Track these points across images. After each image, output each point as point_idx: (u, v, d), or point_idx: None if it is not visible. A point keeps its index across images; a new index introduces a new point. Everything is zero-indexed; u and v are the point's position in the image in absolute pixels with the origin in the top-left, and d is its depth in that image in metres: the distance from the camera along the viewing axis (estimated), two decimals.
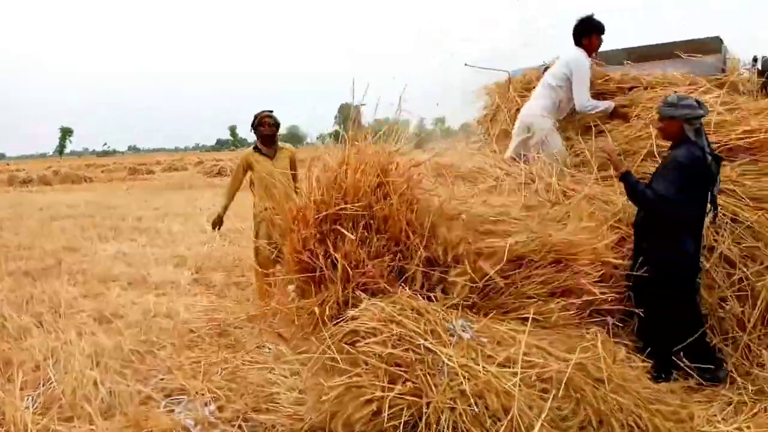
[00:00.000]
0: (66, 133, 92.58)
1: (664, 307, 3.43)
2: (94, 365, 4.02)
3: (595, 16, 4.82)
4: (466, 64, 5.39)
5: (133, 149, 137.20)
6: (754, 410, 3.17)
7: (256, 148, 5.19)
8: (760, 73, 5.09)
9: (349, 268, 2.90)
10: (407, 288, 2.93)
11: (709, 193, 3.52)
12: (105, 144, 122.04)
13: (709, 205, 3.53)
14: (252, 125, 5.19)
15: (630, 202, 3.63)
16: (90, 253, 8.61)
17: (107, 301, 5.94)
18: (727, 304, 3.67)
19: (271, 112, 5.22)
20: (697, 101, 3.52)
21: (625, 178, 3.51)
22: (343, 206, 2.96)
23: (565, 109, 4.98)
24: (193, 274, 6.87)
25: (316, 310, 2.83)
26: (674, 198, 3.34)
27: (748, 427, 2.98)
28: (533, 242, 3.10)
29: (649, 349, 3.44)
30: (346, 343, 2.77)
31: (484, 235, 3.12)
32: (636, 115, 4.69)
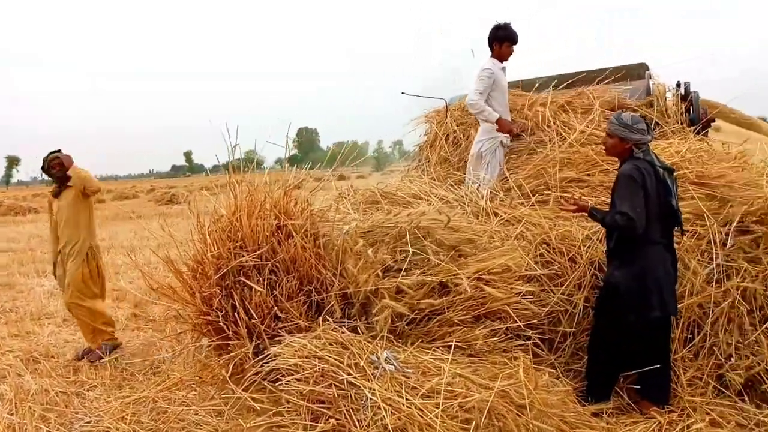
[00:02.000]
0: (12, 162, 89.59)
1: (603, 324, 3.45)
2: (15, 410, 3.83)
3: (511, 25, 4.94)
4: (403, 93, 5.46)
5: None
6: (676, 429, 3.23)
7: (53, 191, 5.26)
8: (683, 98, 5.32)
9: (260, 322, 2.84)
10: (330, 321, 2.89)
11: (669, 205, 3.43)
12: None
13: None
14: (42, 168, 5.21)
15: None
16: (25, 289, 8.26)
17: (38, 340, 5.69)
18: None
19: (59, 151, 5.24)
20: (647, 125, 3.49)
21: (592, 212, 3.47)
22: (243, 258, 2.91)
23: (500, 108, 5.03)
24: (133, 309, 6.66)
25: (224, 372, 2.76)
26: (638, 212, 3.26)
27: None
28: (451, 271, 3.11)
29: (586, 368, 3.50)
30: (268, 382, 2.72)
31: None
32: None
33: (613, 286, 3.39)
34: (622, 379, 3.54)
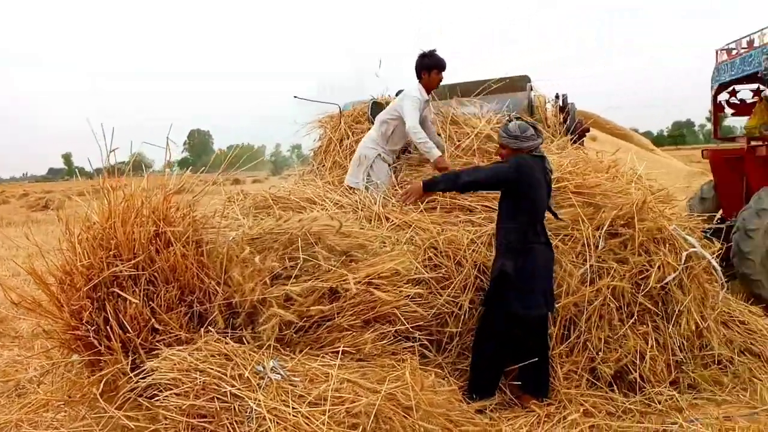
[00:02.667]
0: None
1: (493, 317, 3.59)
2: None
3: (437, 52, 4.86)
4: (295, 97, 5.41)
5: None
6: (554, 421, 3.42)
7: None
8: (561, 109, 5.68)
9: (135, 335, 2.69)
10: (212, 332, 2.79)
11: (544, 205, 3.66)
12: None
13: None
14: None
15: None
16: None
17: None
18: None
19: None
20: (535, 128, 3.66)
21: (430, 187, 3.68)
22: (116, 267, 2.75)
23: (398, 143, 5.06)
24: None
25: (95, 390, 2.59)
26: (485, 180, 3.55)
27: None
28: (341, 276, 3.11)
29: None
30: (144, 398, 2.57)
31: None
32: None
33: (504, 275, 3.54)
34: (503, 377, 3.71)
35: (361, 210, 4.29)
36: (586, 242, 4.01)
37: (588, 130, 5.76)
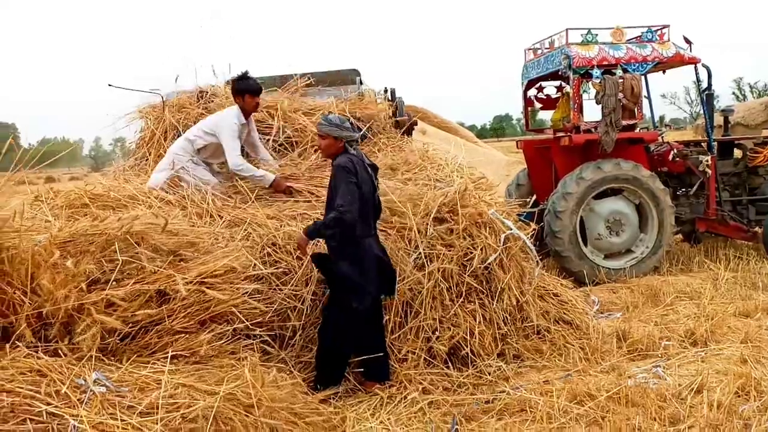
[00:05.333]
0: None
1: (334, 313, 3.64)
2: None
3: (249, 74, 4.67)
4: (110, 85, 4.98)
5: None
6: (395, 401, 3.56)
7: None
8: (389, 102, 5.90)
9: None
10: (20, 346, 2.48)
11: (375, 200, 3.76)
12: None
13: None
14: None
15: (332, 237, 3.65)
16: None
17: None
18: None
19: None
20: (351, 123, 3.80)
21: (310, 234, 3.58)
22: None
23: (212, 159, 4.79)
24: None
25: None
26: (353, 200, 3.48)
27: (389, 419, 3.34)
28: (170, 277, 2.95)
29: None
30: None
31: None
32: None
33: (341, 278, 3.61)
34: (347, 366, 3.77)
35: (191, 206, 4.09)
36: (416, 229, 4.21)
37: (416, 123, 6.04)
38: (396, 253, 4.09)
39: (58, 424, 2.30)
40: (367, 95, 5.71)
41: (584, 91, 7.05)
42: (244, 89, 4.59)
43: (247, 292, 3.27)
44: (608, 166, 6.38)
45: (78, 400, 2.40)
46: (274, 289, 3.72)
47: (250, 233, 3.89)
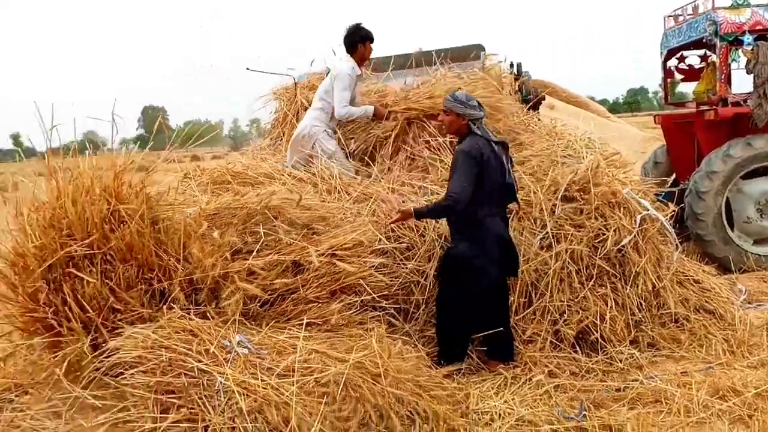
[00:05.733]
0: None
1: (454, 293, 3.63)
2: None
3: (362, 25, 4.86)
4: (248, 69, 5.28)
5: None
6: (520, 382, 3.51)
7: None
8: (516, 78, 5.72)
9: (96, 315, 2.63)
10: (175, 308, 2.75)
11: (504, 181, 3.66)
12: None
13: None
14: None
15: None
16: None
17: None
18: None
19: None
20: (479, 103, 3.70)
21: (417, 215, 3.61)
22: (69, 248, 2.67)
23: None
24: None
25: (58, 371, 2.53)
26: (468, 189, 3.48)
27: (513, 399, 3.30)
28: (304, 249, 3.10)
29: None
30: (109, 377, 2.53)
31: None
32: None
33: (459, 259, 3.61)
34: (470, 344, 3.77)
35: (321, 183, 4.27)
36: (543, 208, 4.09)
37: (543, 99, 5.83)
38: (520, 232, 4.00)
39: (207, 379, 2.54)
40: (493, 70, 5.57)
41: (733, 59, 6.39)
42: (365, 36, 4.80)
43: (373, 266, 3.37)
44: (760, 142, 5.75)
45: (224, 359, 2.63)
46: (399, 263, 3.80)
47: (375, 209, 3.99)
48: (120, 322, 2.68)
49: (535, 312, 3.97)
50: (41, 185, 2.89)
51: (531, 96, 5.65)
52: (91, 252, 2.71)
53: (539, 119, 5.45)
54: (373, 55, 5.04)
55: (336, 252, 3.24)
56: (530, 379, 3.55)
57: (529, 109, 5.46)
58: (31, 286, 2.66)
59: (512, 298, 3.90)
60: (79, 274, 2.67)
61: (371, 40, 4.85)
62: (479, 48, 5.70)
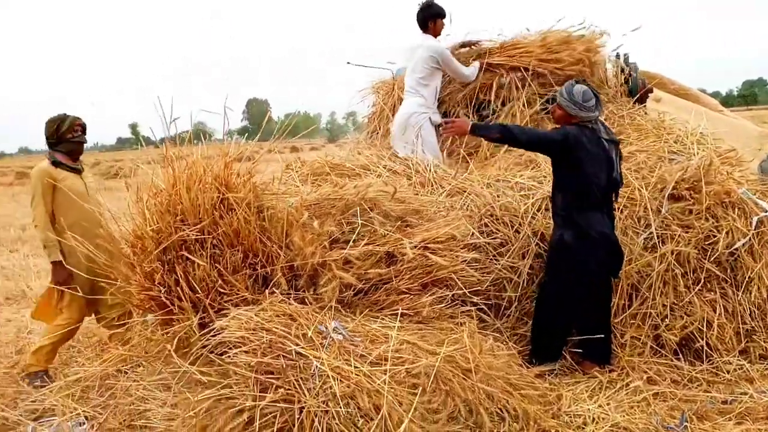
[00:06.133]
0: None
1: (556, 287, 3.54)
2: None
3: (436, 1, 5.03)
4: (348, 63, 5.41)
5: (25, 151, 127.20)
6: (616, 387, 3.39)
7: (56, 163, 3.95)
8: (622, 70, 5.46)
9: (204, 296, 2.81)
10: (276, 293, 2.89)
11: (612, 177, 3.51)
12: None
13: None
14: (56, 134, 3.95)
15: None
16: None
17: None
18: None
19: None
20: (597, 99, 3.46)
21: (474, 129, 3.56)
22: (183, 232, 2.85)
23: (436, 96, 5.13)
24: None
25: (169, 347, 2.73)
26: (538, 140, 3.49)
27: (608, 404, 3.19)
28: (398, 241, 3.15)
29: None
30: (215, 355, 2.70)
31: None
32: None
33: (562, 248, 3.50)
34: (565, 344, 3.68)
35: (415, 176, 4.30)
36: (648, 206, 3.90)
37: (651, 91, 5.51)
38: (623, 231, 3.84)
39: (303, 362, 2.65)
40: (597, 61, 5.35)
41: None
42: (436, 13, 4.99)
43: (465, 260, 3.35)
44: None
45: (320, 344, 2.73)
46: (491, 259, 3.76)
47: (468, 203, 3.97)
48: (226, 304, 2.85)
49: (635, 315, 3.80)
50: (158, 172, 3.12)
51: (638, 88, 5.36)
52: (202, 237, 2.90)
53: (646, 113, 5.17)
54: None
55: (429, 245, 3.26)
56: (627, 385, 3.42)
57: (635, 103, 5.20)
58: (148, 266, 2.89)
59: (613, 300, 3.76)
60: (191, 257, 2.86)
61: (441, 16, 4.99)
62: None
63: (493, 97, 5.07)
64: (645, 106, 5.36)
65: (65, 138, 3.96)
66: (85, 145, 4.11)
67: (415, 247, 3.17)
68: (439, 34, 5.08)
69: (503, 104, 5.08)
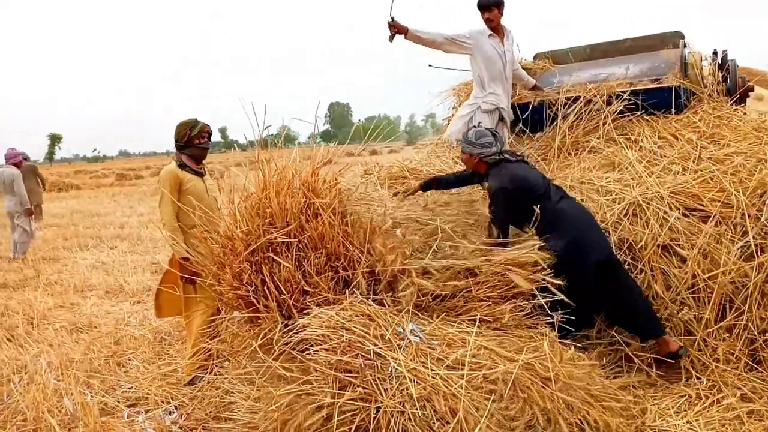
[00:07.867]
0: (55, 139, 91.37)
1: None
2: (62, 377, 4.04)
3: None
4: (430, 65, 5.43)
5: (124, 154, 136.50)
6: (706, 403, 3.22)
7: (182, 166, 4.12)
8: (720, 67, 5.16)
9: (288, 297, 2.92)
10: (356, 294, 2.96)
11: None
12: (95, 150, 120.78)
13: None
14: (185, 138, 4.13)
15: None
16: (69, 262, 8.60)
17: (82, 311, 5.95)
18: (683, 304, 3.70)
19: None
20: (494, 135, 3.71)
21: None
22: (271, 235, 2.96)
23: (493, 81, 4.99)
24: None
25: (254, 343, 2.85)
26: (505, 219, 3.57)
27: (697, 420, 3.04)
28: (477, 258, 3.15)
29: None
30: (297, 352, 2.81)
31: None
32: None
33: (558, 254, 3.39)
34: (648, 360, 3.53)
35: None
36: (746, 213, 3.67)
37: (752, 89, 5.17)
38: (717, 239, 3.64)
39: (381, 363, 2.69)
40: (691, 59, 5.08)
41: None
42: (478, 6, 4.87)
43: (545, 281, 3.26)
44: None
45: (397, 345, 2.77)
46: None
47: None
48: (308, 304, 2.95)
49: (729, 329, 3.59)
50: (249, 176, 3.28)
51: (736, 87, 5.05)
52: (288, 240, 3.02)
53: (745, 113, 4.87)
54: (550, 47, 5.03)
55: (509, 267, 3.23)
56: (719, 401, 3.25)
57: (733, 103, 4.89)
58: (237, 266, 3.04)
59: (705, 310, 3.57)
60: (278, 258, 2.98)
61: (481, 9, 4.86)
62: (678, 36, 5.23)
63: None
64: (744, 105, 5.05)
65: (193, 143, 4.13)
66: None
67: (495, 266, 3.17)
68: (488, 26, 4.91)
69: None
